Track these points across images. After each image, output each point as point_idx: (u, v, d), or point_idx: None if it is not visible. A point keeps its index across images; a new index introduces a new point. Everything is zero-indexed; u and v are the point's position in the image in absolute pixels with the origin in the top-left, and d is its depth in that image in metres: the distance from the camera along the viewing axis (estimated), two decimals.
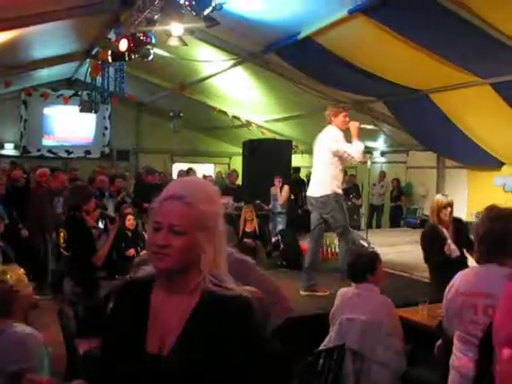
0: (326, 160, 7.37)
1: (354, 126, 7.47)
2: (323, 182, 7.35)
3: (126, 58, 9.32)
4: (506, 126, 10.46)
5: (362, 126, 7.73)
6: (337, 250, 9.33)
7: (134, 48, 9.03)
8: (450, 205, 5.94)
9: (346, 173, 16.10)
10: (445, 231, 5.90)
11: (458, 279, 3.27)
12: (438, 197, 6.24)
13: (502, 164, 12.27)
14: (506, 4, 7.18)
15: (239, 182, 14.79)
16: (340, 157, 7.34)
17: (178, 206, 1.80)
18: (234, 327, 1.79)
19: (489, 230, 3.13)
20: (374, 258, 4.48)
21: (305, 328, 5.60)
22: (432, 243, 5.91)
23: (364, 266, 4.35)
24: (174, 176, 16.56)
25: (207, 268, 1.83)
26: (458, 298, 3.15)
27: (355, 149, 7.30)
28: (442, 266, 5.62)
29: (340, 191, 7.44)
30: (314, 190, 7.47)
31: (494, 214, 3.19)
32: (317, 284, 7.38)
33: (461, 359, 3.07)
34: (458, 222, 6.11)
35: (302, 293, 7.29)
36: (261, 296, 3.21)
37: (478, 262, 3.26)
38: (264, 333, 3.21)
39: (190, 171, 14.33)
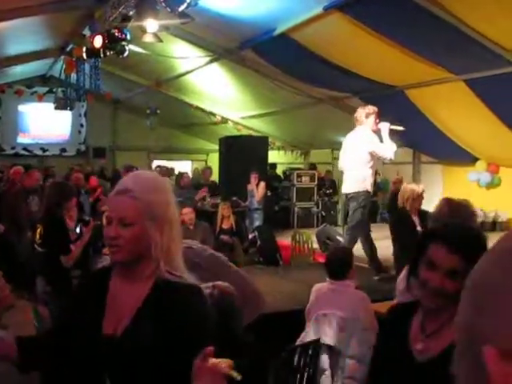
0: (362, 160, 7.66)
1: (385, 127, 7.77)
2: (356, 180, 7.70)
3: (101, 55, 9.24)
4: (479, 121, 10.55)
5: (393, 127, 7.98)
6: (314, 245, 9.38)
7: (108, 44, 8.95)
8: (423, 194, 6.15)
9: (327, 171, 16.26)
10: (416, 219, 6.08)
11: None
12: (413, 186, 6.38)
13: (476, 159, 12.38)
14: (478, 1, 7.24)
15: (217, 178, 14.77)
16: (374, 157, 7.68)
17: (126, 199, 1.93)
18: (181, 313, 1.90)
19: None
20: (349, 256, 4.49)
21: (282, 324, 5.60)
22: (405, 225, 6.07)
23: (342, 263, 4.36)
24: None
25: (159, 256, 1.94)
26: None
27: (389, 149, 7.64)
28: (411, 248, 5.66)
29: (370, 190, 7.82)
30: (348, 187, 7.88)
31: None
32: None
33: None
34: (423, 214, 6.21)
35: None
36: (233, 291, 3.20)
37: None
38: (235, 325, 3.19)
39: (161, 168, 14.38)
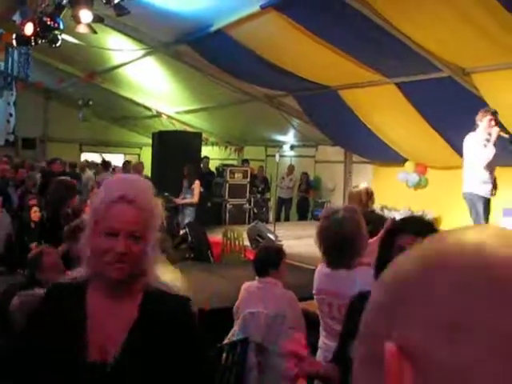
0: (477, 162, 7.58)
1: (496, 132, 7.45)
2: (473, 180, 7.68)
3: (32, 43, 8.95)
4: (409, 124, 10.81)
5: (501, 134, 7.63)
6: (245, 243, 9.38)
7: (40, 33, 8.68)
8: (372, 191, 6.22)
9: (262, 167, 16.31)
10: None
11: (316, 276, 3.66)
12: (367, 186, 6.33)
13: (405, 160, 12.68)
14: (408, 6, 7.41)
15: (149, 173, 14.58)
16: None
17: (133, 210, 1.73)
18: (180, 328, 1.77)
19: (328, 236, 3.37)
20: (278, 253, 4.49)
21: (211, 322, 5.58)
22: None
23: (268, 261, 4.36)
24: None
25: (153, 269, 1.81)
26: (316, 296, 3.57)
27: (489, 153, 7.45)
28: None
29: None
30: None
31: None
32: None
33: (326, 344, 3.38)
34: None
35: None
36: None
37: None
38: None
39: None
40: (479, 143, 7.40)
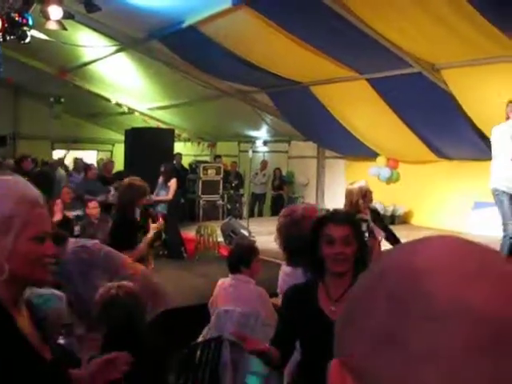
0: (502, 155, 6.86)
1: None
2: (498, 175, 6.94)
3: (0, 39, 8.80)
4: (380, 119, 10.89)
5: None
6: (219, 239, 9.36)
7: (8, 29, 8.53)
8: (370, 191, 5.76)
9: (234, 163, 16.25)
10: (368, 217, 5.72)
11: None
12: (360, 184, 5.91)
13: (377, 155, 12.77)
14: (380, 3, 7.46)
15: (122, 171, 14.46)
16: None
17: (46, 213, 1.71)
18: None
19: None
20: (251, 251, 4.49)
21: (185, 319, 5.56)
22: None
23: (239, 259, 4.36)
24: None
25: None
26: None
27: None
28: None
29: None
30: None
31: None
32: None
33: None
34: (374, 212, 5.94)
35: None
36: (138, 292, 3.14)
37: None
38: (141, 326, 3.15)
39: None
40: (506, 135, 6.68)
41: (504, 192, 6.67)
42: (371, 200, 5.81)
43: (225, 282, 4.42)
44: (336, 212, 3.01)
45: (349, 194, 5.67)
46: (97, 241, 4.86)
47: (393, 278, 0.56)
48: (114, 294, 3.07)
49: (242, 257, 4.37)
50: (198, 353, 3.91)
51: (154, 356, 3.12)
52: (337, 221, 2.74)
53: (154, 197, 11.04)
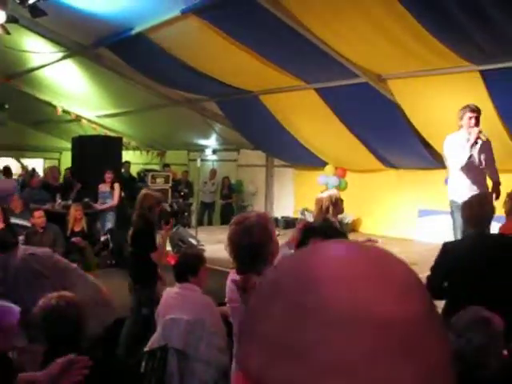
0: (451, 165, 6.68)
1: (475, 133, 6.33)
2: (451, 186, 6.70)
3: None
4: (328, 128, 11.02)
5: (481, 135, 6.38)
6: (167, 248, 9.26)
7: None
8: (341, 200, 5.77)
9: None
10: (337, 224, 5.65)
11: None
12: (330, 192, 5.87)
13: (325, 164, 12.90)
14: (327, 15, 7.55)
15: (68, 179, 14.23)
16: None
17: None
18: None
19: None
20: (198, 260, 4.47)
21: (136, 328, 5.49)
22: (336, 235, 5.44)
23: (186, 268, 4.33)
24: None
25: None
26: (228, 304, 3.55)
27: (462, 157, 6.41)
28: None
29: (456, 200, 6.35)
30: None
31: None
32: None
33: None
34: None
35: None
36: (80, 302, 3.07)
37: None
38: (82, 337, 3.07)
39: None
40: (456, 144, 6.43)
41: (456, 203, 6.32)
42: (342, 210, 5.82)
43: (172, 290, 4.37)
44: (318, 225, 3.03)
45: (318, 202, 5.71)
46: (47, 249, 4.76)
47: (289, 287, 0.55)
48: (55, 305, 2.99)
49: (189, 265, 4.34)
50: (144, 362, 3.85)
51: (98, 367, 3.05)
52: (315, 233, 2.76)
53: (98, 206, 10.90)
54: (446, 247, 4.16)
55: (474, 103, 6.47)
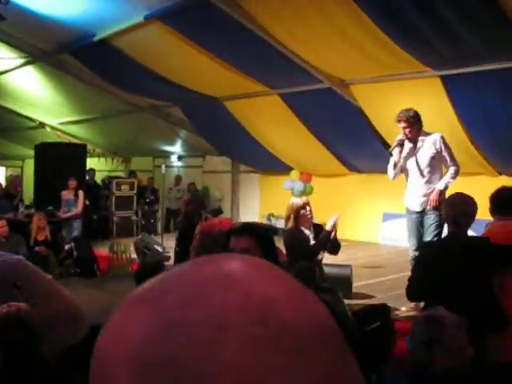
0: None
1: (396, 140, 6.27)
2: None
3: None
4: (293, 133, 11.04)
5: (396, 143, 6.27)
6: (132, 255, 9.17)
7: None
8: (308, 204, 5.65)
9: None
10: (307, 232, 5.64)
11: None
12: (293, 200, 5.87)
13: (291, 169, 12.91)
14: (291, 21, 7.58)
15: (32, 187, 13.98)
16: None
17: None
18: None
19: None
20: (157, 267, 4.40)
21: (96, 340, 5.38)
22: (300, 244, 5.48)
23: (147, 276, 4.26)
24: None
25: None
26: None
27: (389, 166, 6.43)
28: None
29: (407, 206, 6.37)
30: None
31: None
32: None
33: None
34: (316, 226, 5.92)
35: None
36: (31, 313, 2.99)
37: None
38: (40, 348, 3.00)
39: None
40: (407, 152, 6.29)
41: (408, 210, 6.34)
42: (309, 216, 5.69)
43: None
44: (237, 224, 3.01)
45: (288, 208, 5.68)
46: (21, 257, 4.62)
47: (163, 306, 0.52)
48: (4, 316, 2.91)
49: (150, 274, 4.27)
50: None
51: (56, 379, 2.98)
52: (235, 232, 2.68)
53: (62, 214, 10.71)
54: (424, 249, 4.18)
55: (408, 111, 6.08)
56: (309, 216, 5.64)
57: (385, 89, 8.75)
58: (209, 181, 15.75)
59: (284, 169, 12.96)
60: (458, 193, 4.19)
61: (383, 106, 9.11)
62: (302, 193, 12.88)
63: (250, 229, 2.76)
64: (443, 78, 7.99)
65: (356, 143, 10.37)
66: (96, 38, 9.44)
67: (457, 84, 7.98)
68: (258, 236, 2.71)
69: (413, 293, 4.11)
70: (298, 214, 5.54)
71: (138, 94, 12.29)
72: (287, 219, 5.64)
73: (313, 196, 12.89)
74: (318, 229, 5.82)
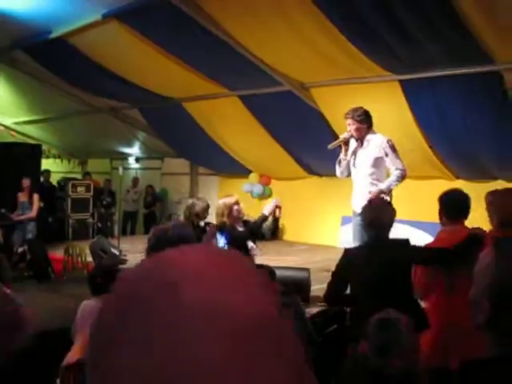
0: None
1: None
2: None
3: None
4: (252, 136, 11.04)
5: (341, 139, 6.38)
6: (88, 258, 9.02)
7: None
8: (238, 202, 5.76)
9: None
10: (240, 228, 5.71)
11: None
12: (225, 200, 5.90)
13: (250, 172, 12.90)
14: (250, 23, 7.58)
15: None
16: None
17: None
18: None
19: None
20: (112, 270, 4.33)
21: (50, 343, 5.27)
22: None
23: (103, 279, 4.18)
24: None
25: None
26: None
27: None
28: None
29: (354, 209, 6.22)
30: None
31: None
32: None
33: None
34: (246, 222, 5.95)
35: None
36: None
37: None
38: None
39: None
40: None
41: (354, 212, 6.25)
42: (240, 213, 5.79)
43: (88, 303, 4.21)
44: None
45: (220, 206, 5.74)
46: None
47: (147, 291, 0.55)
48: None
49: (106, 277, 4.19)
50: (59, 379, 3.68)
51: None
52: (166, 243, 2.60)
53: (15, 217, 10.46)
54: (347, 253, 4.18)
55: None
56: (240, 213, 5.80)
57: (344, 92, 8.79)
58: (167, 183, 15.64)
59: (243, 171, 12.94)
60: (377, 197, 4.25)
61: (343, 109, 9.05)
62: (261, 196, 12.89)
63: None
64: (402, 83, 8.09)
65: (316, 146, 10.38)
66: (52, 36, 9.23)
67: (414, 88, 8.09)
68: None
69: (329, 297, 4.19)
70: (231, 211, 5.66)
71: (95, 94, 12.11)
72: (221, 216, 5.70)
73: (272, 199, 12.92)
74: (248, 224, 5.95)
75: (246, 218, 6.19)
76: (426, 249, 4.12)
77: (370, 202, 4.36)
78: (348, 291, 4.09)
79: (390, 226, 4.04)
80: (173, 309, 0.52)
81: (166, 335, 0.51)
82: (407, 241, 4.01)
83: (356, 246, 5.22)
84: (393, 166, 6.00)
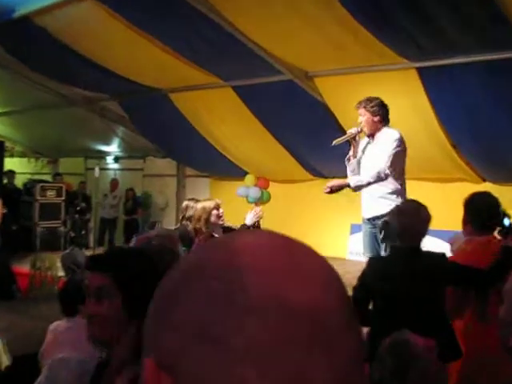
0: None
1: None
2: None
3: None
4: (248, 132, 11.03)
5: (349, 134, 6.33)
6: (59, 273, 8.99)
7: None
8: (218, 207, 5.88)
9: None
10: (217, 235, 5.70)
11: None
12: (204, 203, 5.95)
13: (246, 173, 12.88)
14: (248, 4, 7.55)
15: None
16: None
17: None
18: None
19: None
20: (83, 287, 4.28)
21: (18, 371, 5.26)
22: None
23: (75, 297, 4.13)
24: None
25: None
26: None
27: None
28: None
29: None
30: None
31: None
32: None
33: None
34: (227, 229, 6.00)
35: None
36: None
37: None
38: None
39: None
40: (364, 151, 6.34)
41: (363, 220, 6.21)
42: (219, 219, 5.93)
43: (59, 325, 4.17)
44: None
45: (199, 210, 5.87)
46: None
47: (210, 273, 0.62)
48: None
49: (78, 295, 4.14)
50: None
51: None
52: (89, 266, 2.37)
53: None
54: (372, 263, 4.12)
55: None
56: (220, 218, 5.96)
57: (354, 82, 8.76)
58: (150, 186, 15.63)
59: (238, 173, 12.94)
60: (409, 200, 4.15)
61: (351, 101, 9.06)
62: (258, 200, 12.87)
63: (113, 260, 2.39)
64: (419, 70, 8.06)
65: (320, 144, 10.33)
66: (15, 15, 9.18)
67: (433, 76, 8.04)
68: (123, 271, 2.30)
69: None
70: (209, 216, 5.82)
71: (66, 83, 12.06)
72: (197, 220, 5.83)
73: (270, 204, 12.91)
74: (228, 231, 5.90)
75: (227, 224, 6.24)
76: (462, 267, 4.01)
77: (399, 206, 4.28)
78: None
79: (424, 235, 3.96)
80: (235, 294, 0.60)
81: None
82: (444, 255, 3.93)
83: (384, 256, 5.14)
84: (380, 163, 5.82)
